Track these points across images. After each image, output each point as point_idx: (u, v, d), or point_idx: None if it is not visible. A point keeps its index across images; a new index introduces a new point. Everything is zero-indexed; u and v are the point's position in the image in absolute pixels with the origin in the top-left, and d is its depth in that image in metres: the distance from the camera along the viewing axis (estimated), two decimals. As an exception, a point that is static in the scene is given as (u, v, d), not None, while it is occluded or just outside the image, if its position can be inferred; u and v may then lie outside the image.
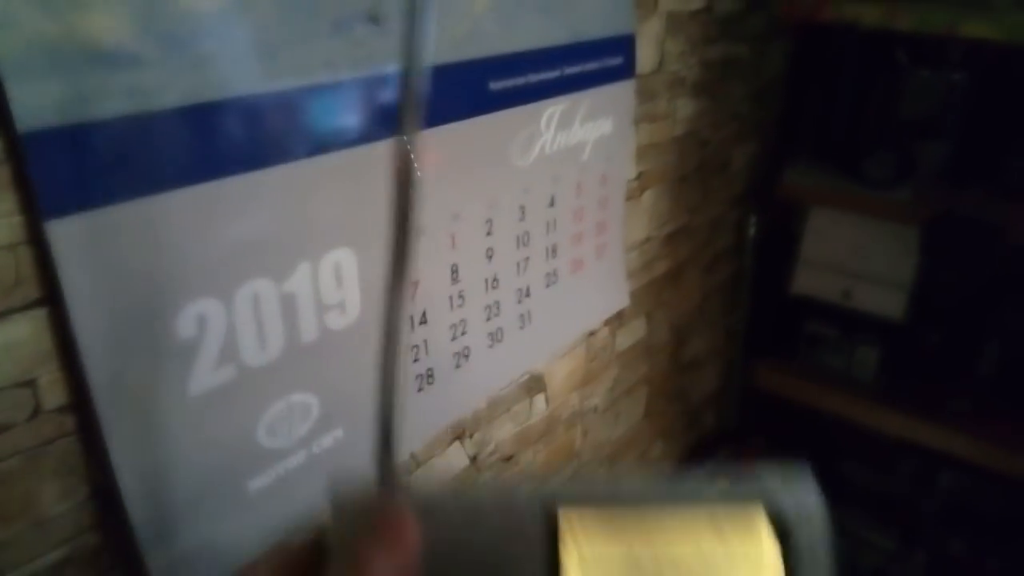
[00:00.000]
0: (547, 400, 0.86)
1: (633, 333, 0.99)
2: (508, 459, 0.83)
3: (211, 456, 0.49)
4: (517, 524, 0.34)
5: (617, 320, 0.94)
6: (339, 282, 0.54)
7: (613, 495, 0.35)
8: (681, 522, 0.34)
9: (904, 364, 1.17)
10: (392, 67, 0.53)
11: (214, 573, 0.52)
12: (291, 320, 0.52)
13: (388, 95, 0.53)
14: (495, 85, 0.62)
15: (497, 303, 0.72)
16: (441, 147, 0.60)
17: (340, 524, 0.33)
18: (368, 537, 0.33)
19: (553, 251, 0.77)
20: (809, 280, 1.16)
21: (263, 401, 0.52)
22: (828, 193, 1.10)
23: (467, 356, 0.70)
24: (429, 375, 0.66)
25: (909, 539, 1.28)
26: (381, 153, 0.53)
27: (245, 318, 0.48)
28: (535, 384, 0.83)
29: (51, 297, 0.40)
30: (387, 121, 0.53)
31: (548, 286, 0.77)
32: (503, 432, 0.81)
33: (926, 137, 1.07)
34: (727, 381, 1.30)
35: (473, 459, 0.78)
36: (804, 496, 0.34)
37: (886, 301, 1.10)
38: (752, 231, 1.16)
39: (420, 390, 0.66)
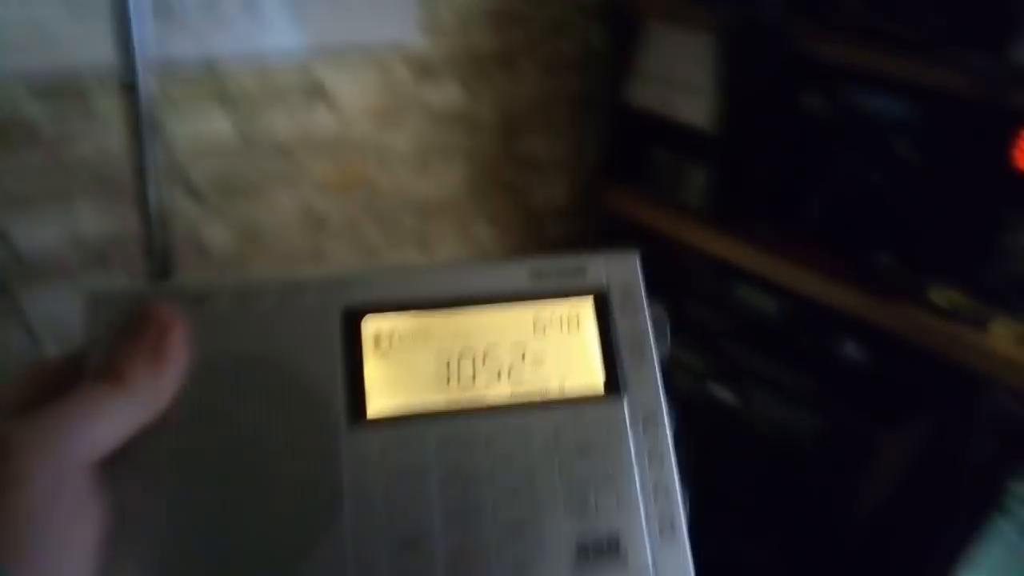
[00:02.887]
0: (333, 114, 0.98)
1: (446, 95, 1.10)
2: (288, 153, 0.96)
3: None
4: (313, 332, 0.31)
5: (421, 69, 1.05)
6: None
7: (422, 297, 0.33)
8: (500, 320, 0.33)
9: (734, 191, 1.24)
10: None
11: None
12: None
13: None
14: None
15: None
16: None
17: (96, 330, 0.30)
18: (124, 342, 0.29)
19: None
20: (644, 93, 1.25)
21: None
22: (664, 6, 1.19)
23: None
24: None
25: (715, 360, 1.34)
26: None
27: None
28: (315, 89, 0.95)
29: None
30: None
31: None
32: (278, 121, 0.94)
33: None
34: (573, 197, 1.40)
35: (243, 137, 0.91)
36: (628, 280, 0.35)
37: (704, 113, 1.19)
38: (596, 42, 1.25)
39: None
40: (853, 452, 1.12)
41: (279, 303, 0.31)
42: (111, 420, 0.27)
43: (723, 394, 1.26)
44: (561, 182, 1.37)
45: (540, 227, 1.38)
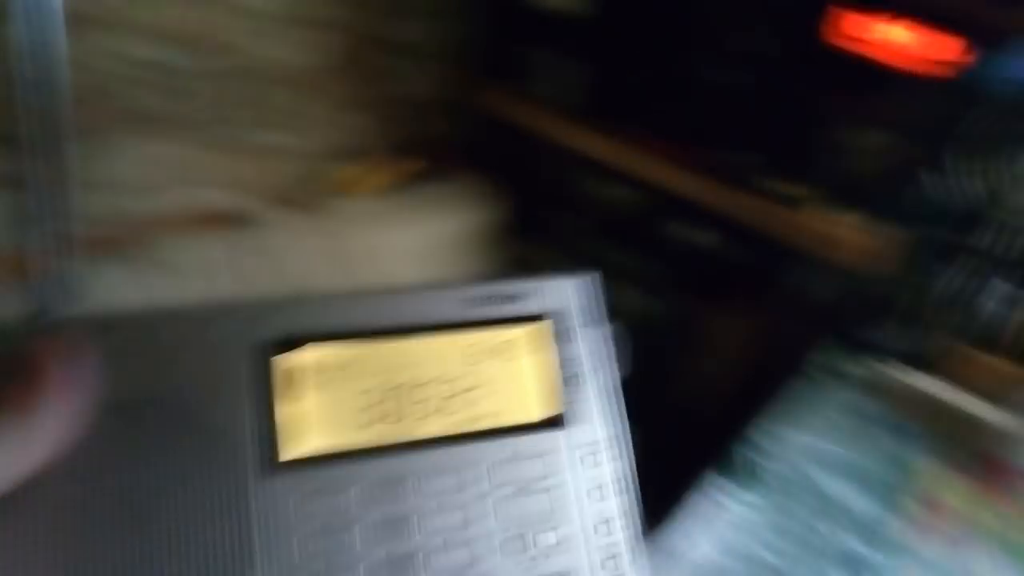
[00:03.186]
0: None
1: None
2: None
3: None
4: (220, 369, 0.28)
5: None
6: None
7: (344, 327, 0.30)
8: (432, 351, 0.31)
9: (600, 85, 1.27)
10: None
11: None
12: None
13: None
14: None
15: None
16: None
17: None
18: (11, 381, 0.26)
19: None
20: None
21: None
22: None
23: None
24: None
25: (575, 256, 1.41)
26: None
27: None
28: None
29: None
30: None
31: None
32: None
33: None
34: (446, 90, 1.41)
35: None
36: (571, 306, 0.33)
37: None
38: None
39: None
40: (698, 335, 1.18)
41: (182, 336, 0.28)
42: None
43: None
44: (435, 73, 1.37)
45: (415, 119, 1.38)
